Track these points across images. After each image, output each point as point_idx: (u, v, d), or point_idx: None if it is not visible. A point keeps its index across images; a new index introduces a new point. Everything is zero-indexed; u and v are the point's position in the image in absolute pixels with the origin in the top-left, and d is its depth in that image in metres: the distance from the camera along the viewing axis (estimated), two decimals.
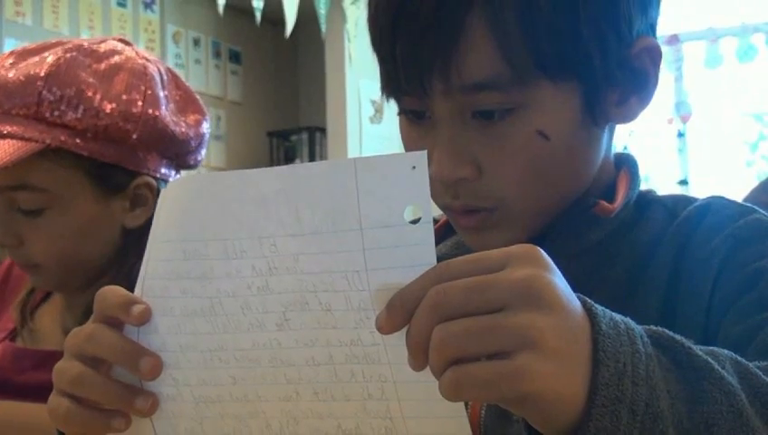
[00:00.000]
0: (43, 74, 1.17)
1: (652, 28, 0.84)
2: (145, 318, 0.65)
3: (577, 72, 0.78)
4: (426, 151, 0.59)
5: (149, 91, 1.22)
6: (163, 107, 1.24)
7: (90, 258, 1.24)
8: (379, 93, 0.84)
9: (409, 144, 0.84)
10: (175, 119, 1.26)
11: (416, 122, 0.83)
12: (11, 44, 4.23)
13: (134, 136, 1.20)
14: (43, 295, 1.34)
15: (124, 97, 1.20)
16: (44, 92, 1.16)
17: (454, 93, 0.77)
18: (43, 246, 1.20)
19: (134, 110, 1.20)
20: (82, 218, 1.21)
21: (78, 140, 1.17)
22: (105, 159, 1.20)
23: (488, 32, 0.75)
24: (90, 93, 1.18)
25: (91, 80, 1.19)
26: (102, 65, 1.21)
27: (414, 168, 0.59)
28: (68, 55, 1.19)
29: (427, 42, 0.76)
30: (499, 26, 0.75)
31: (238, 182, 0.63)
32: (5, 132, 1.16)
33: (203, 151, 1.33)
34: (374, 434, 0.63)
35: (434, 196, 0.83)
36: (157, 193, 1.25)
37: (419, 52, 0.77)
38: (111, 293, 0.67)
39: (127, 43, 1.30)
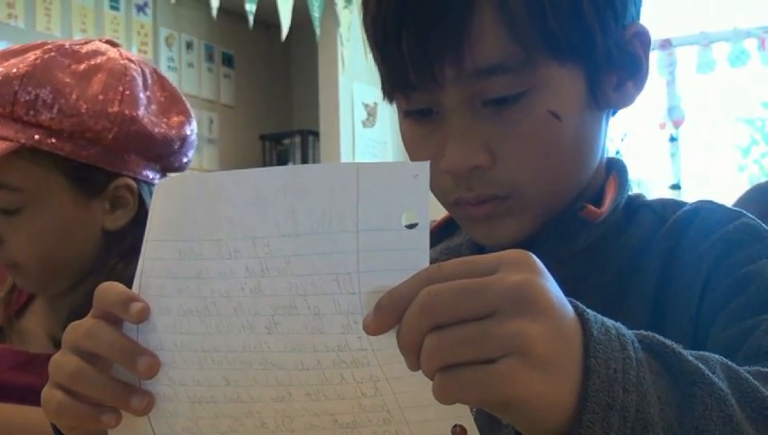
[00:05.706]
0: (19, 74, 1.17)
1: (638, 15, 0.87)
2: (144, 316, 0.65)
3: (581, 53, 0.80)
4: (429, 163, 0.59)
5: (127, 92, 1.21)
6: (142, 108, 1.23)
7: (70, 259, 1.23)
8: (381, 95, 0.85)
9: (414, 146, 0.84)
10: (155, 119, 1.25)
11: (422, 121, 0.83)
12: (2, 47, 4.21)
13: (110, 136, 1.20)
14: (28, 296, 1.33)
15: (100, 97, 1.20)
16: (20, 92, 1.17)
17: (466, 80, 0.78)
18: (22, 246, 1.20)
19: (110, 110, 1.19)
20: (61, 219, 1.21)
21: (53, 140, 1.17)
22: (81, 160, 1.19)
23: (497, 14, 0.77)
24: (65, 93, 1.18)
25: (67, 80, 1.19)
26: (82, 66, 1.21)
27: (416, 176, 0.59)
28: (46, 56, 1.20)
29: (437, 29, 0.77)
30: (507, 8, 0.77)
31: (234, 182, 0.63)
32: None
33: (189, 153, 1.32)
34: (372, 425, 0.63)
35: (445, 193, 0.83)
36: (138, 195, 1.25)
37: (429, 39, 0.77)
38: (111, 289, 0.67)
39: (113, 45, 1.29)
